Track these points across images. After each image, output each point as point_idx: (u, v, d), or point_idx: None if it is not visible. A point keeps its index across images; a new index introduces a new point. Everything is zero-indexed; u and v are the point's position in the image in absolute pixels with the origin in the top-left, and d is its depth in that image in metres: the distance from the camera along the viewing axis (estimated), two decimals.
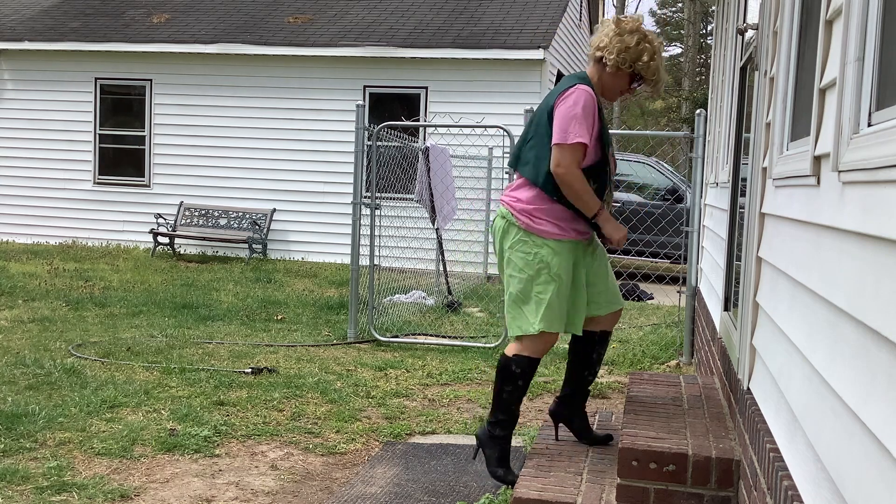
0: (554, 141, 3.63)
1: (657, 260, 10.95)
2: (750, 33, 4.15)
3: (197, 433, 4.69)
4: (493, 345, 7.29)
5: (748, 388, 3.19)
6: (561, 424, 4.01)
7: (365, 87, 13.20)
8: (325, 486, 4.17)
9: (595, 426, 4.19)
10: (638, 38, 3.72)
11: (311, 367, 6.41)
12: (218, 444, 4.62)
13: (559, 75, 13.69)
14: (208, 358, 6.57)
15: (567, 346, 4.17)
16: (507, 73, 12.73)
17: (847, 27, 1.89)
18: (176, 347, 6.89)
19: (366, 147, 7.83)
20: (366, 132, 7.81)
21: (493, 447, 3.85)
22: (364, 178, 7.89)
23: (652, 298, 10.99)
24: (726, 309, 4.71)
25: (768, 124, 3.22)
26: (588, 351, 3.94)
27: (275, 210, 13.52)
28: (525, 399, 5.82)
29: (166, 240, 13.41)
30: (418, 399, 5.79)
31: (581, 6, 16.62)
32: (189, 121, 13.90)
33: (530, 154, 3.74)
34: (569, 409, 3.97)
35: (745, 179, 3.95)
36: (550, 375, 6.41)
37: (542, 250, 3.68)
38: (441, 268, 10.29)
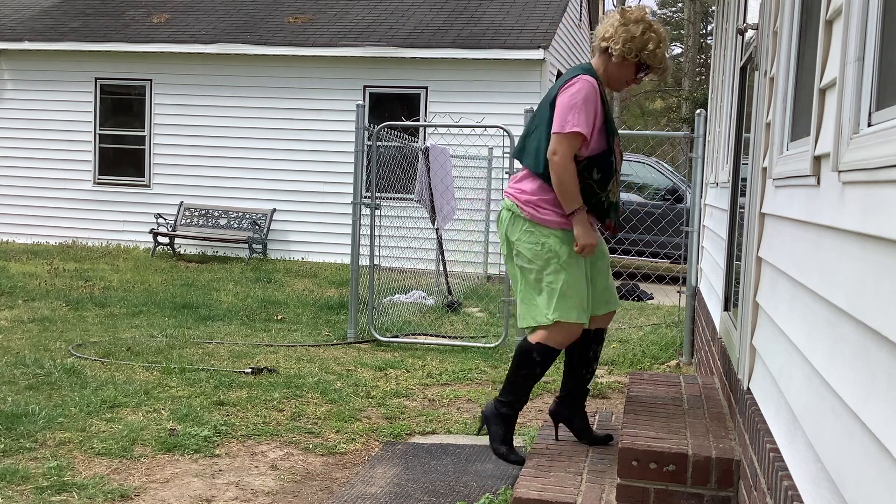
0: (552, 130, 3.67)
1: (657, 260, 10.95)
2: (750, 33, 4.15)
3: (197, 433, 4.69)
4: (493, 345, 7.29)
5: (748, 388, 3.19)
6: (561, 424, 4.01)
7: (365, 87, 13.21)
8: (325, 486, 4.17)
9: (595, 426, 4.19)
10: (643, 28, 3.73)
11: (311, 367, 6.41)
12: (218, 444, 4.62)
13: (559, 75, 13.67)
14: (208, 358, 6.57)
15: None
16: (507, 73, 12.73)
17: (847, 27, 1.89)
18: (176, 347, 6.89)
19: (366, 147, 7.83)
20: (366, 132, 7.81)
21: (499, 424, 3.88)
22: (364, 178, 7.89)
23: (652, 298, 10.99)
24: (726, 309, 4.71)
25: (768, 124, 3.22)
26: (584, 349, 3.94)
27: (275, 210, 13.52)
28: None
29: (166, 240, 13.41)
30: (418, 399, 5.79)
31: (581, 6, 16.63)
32: (189, 121, 13.91)
33: (532, 144, 3.78)
34: (569, 409, 3.97)
35: (745, 179, 3.96)
36: (550, 375, 6.40)
37: (550, 240, 3.70)
38: (441, 268, 10.29)
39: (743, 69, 4.74)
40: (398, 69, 13.15)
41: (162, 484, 4.05)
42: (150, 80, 14.07)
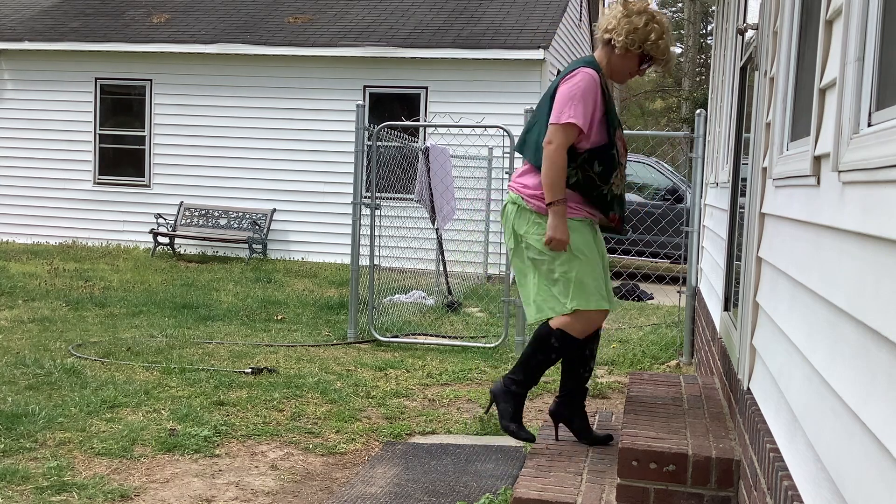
0: (549, 120, 3.70)
1: (657, 260, 10.95)
2: (750, 33, 4.15)
3: (197, 433, 4.69)
4: (493, 345, 7.29)
5: (748, 388, 3.19)
6: (561, 424, 4.01)
7: (365, 87, 13.21)
8: (325, 486, 4.17)
9: (595, 426, 4.19)
10: (646, 19, 3.73)
11: (311, 367, 6.41)
12: (218, 444, 4.62)
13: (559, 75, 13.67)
14: (208, 358, 6.57)
15: None
16: (507, 73, 12.73)
17: (847, 27, 1.89)
18: (176, 347, 6.89)
19: (366, 147, 7.83)
20: (366, 132, 7.81)
21: (508, 401, 3.89)
22: (364, 178, 7.89)
23: (652, 298, 10.99)
24: (726, 309, 4.71)
25: (768, 124, 3.22)
26: (581, 347, 3.94)
27: (275, 210, 13.52)
28: (525, 399, 5.83)
29: (166, 240, 13.41)
30: (418, 399, 5.78)
31: (581, 6, 16.63)
32: (189, 121, 13.91)
33: (532, 138, 3.81)
34: (569, 409, 3.97)
35: (745, 179, 3.96)
36: (550, 375, 6.40)
37: None
38: (441, 268, 10.29)
39: (743, 69, 4.74)
40: (398, 69, 13.15)
41: (162, 484, 4.05)
42: (150, 80, 14.07)
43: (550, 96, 3.76)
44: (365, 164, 7.85)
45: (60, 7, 15.47)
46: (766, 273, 3.07)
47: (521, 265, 3.87)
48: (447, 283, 10.20)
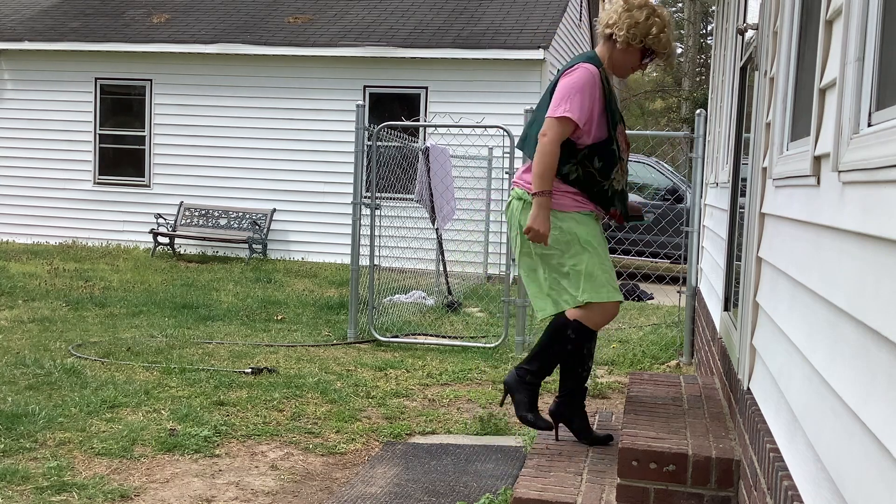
0: (546, 114, 3.70)
1: (657, 260, 10.95)
2: (750, 33, 4.15)
3: (197, 433, 4.69)
4: (493, 345, 7.29)
5: (748, 388, 3.19)
6: (561, 424, 4.01)
7: (365, 87, 13.21)
8: (326, 486, 4.17)
9: (595, 426, 4.19)
10: (647, 13, 3.73)
11: (311, 367, 6.41)
12: (218, 444, 4.62)
13: None
14: (208, 358, 6.57)
15: None
16: (507, 73, 12.73)
17: (847, 27, 1.89)
18: (176, 347, 6.89)
19: (366, 147, 7.83)
20: (366, 132, 7.81)
21: (523, 392, 3.87)
22: (364, 178, 7.89)
23: (652, 298, 10.99)
24: (726, 309, 4.71)
25: (768, 124, 3.22)
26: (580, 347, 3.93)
27: (275, 210, 13.52)
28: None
29: (166, 240, 13.41)
30: (418, 399, 5.78)
31: (581, 6, 16.63)
32: (189, 121, 13.91)
33: (533, 133, 3.80)
34: (569, 409, 3.96)
35: (745, 179, 3.95)
36: (550, 375, 6.40)
37: (566, 223, 3.72)
38: (441, 268, 10.29)
39: (743, 69, 4.74)
40: (398, 69, 13.15)
41: (162, 484, 4.05)
42: (150, 80, 14.07)
43: (550, 92, 3.77)
44: (365, 164, 7.85)
45: (60, 7, 15.47)
46: (766, 273, 3.07)
47: (529, 261, 3.84)
48: (447, 283, 10.20)
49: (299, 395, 5.60)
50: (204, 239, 13.34)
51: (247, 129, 13.66)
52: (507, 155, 7.69)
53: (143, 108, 14.15)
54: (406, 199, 9.80)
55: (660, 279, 10.41)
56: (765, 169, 3.24)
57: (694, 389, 4.33)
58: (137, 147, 14.21)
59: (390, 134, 9.26)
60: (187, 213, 13.71)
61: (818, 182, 2.17)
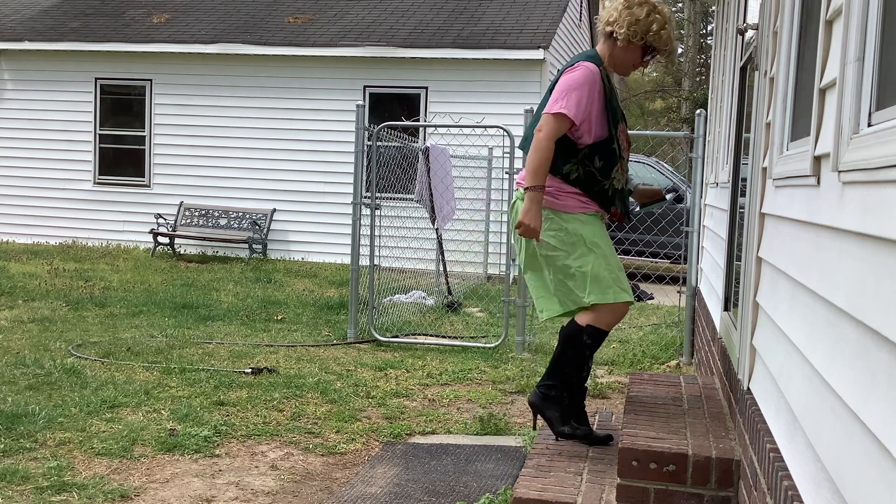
0: (544, 110, 3.70)
1: (657, 260, 10.95)
2: (750, 33, 4.15)
3: (197, 433, 4.69)
4: (493, 345, 7.29)
5: (748, 388, 3.19)
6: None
7: (365, 87, 13.21)
8: (326, 486, 4.17)
9: (595, 426, 4.18)
10: (647, 10, 3.72)
11: (311, 367, 6.41)
12: (218, 444, 4.62)
13: None
14: (208, 358, 6.57)
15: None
16: (507, 73, 12.73)
17: (847, 27, 1.89)
18: (176, 347, 6.89)
19: (366, 147, 7.83)
20: (366, 132, 7.81)
21: (553, 407, 3.84)
22: (364, 178, 7.89)
23: (652, 298, 10.99)
24: (726, 309, 4.71)
25: (768, 124, 3.22)
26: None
27: (275, 210, 13.52)
28: (525, 399, 5.83)
29: (166, 240, 13.41)
30: (418, 399, 5.78)
31: (581, 6, 16.62)
32: (189, 121, 13.91)
33: (533, 133, 3.78)
34: (569, 409, 3.96)
35: (745, 179, 3.95)
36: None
37: (571, 224, 3.71)
38: (441, 268, 10.29)
39: (743, 69, 4.74)
40: (398, 69, 13.15)
41: (162, 484, 4.05)
42: (150, 80, 14.07)
43: (551, 91, 3.77)
44: (365, 164, 7.85)
45: (60, 7, 15.47)
46: (766, 273, 3.07)
47: (534, 263, 3.82)
48: (447, 283, 10.20)
49: (299, 395, 5.60)
50: (204, 239, 13.34)
51: (247, 129, 13.66)
52: (507, 155, 7.69)
53: (143, 108, 14.15)
54: (406, 199, 9.80)
55: (660, 279, 10.42)
56: (765, 169, 3.24)
57: (694, 389, 4.32)
58: (137, 147, 14.21)
59: (390, 134, 9.26)
60: (187, 213, 13.71)
61: (818, 182, 2.17)
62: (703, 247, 7.26)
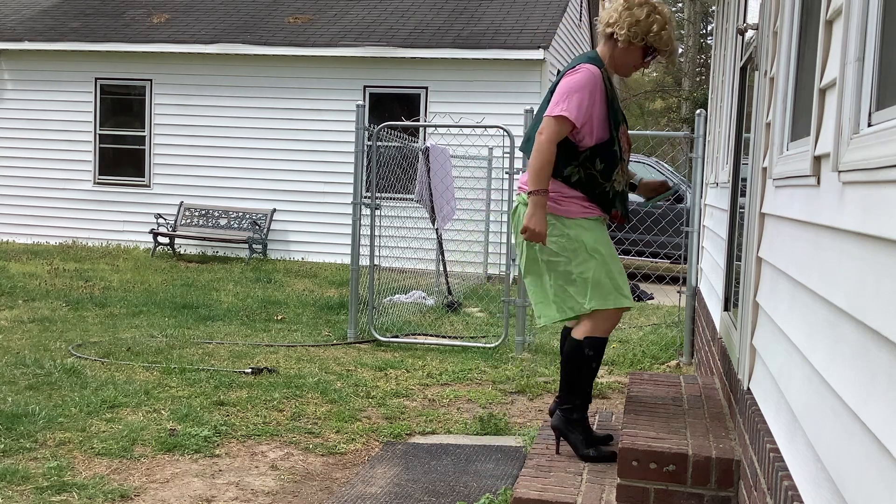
0: (545, 113, 3.70)
1: (657, 260, 10.95)
2: (750, 33, 4.15)
3: (197, 433, 4.69)
4: (493, 345, 7.29)
5: (748, 388, 3.19)
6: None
7: (365, 87, 13.21)
8: (326, 486, 4.17)
9: (595, 426, 4.18)
10: (648, 11, 3.71)
11: (311, 367, 6.41)
12: (218, 444, 4.62)
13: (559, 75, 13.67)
14: (208, 358, 6.57)
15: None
16: (507, 73, 12.73)
17: (847, 27, 1.89)
18: (176, 347, 6.89)
19: (366, 147, 7.83)
20: (366, 132, 7.81)
21: (576, 431, 3.79)
22: (364, 178, 7.89)
23: (652, 298, 10.99)
24: (726, 309, 4.71)
25: (768, 124, 3.22)
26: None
27: (275, 210, 13.52)
28: (525, 399, 5.84)
29: (166, 240, 13.42)
30: (418, 399, 5.78)
31: (581, 6, 16.62)
32: (189, 121, 13.91)
33: (533, 135, 3.78)
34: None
35: (745, 179, 3.95)
36: (551, 375, 6.41)
37: (573, 230, 3.70)
38: (441, 268, 10.29)
39: (743, 69, 4.74)
40: (398, 69, 13.15)
41: (162, 484, 4.05)
42: (150, 80, 14.07)
43: (552, 92, 3.76)
44: (365, 164, 7.85)
45: (60, 7, 15.47)
46: (766, 273, 3.07)
47: (534, 267, 3.81)
48: (447, 283, 10.20)
49: (299, 395, 5.60)
50: (204, 239, 13.34)
51: (247, 129, 13.66)
52: (507, 155, 7.69)
53: (143, 108, 14.15)
54: (406, 199, 9.81)
55: (660, 279, 10.43)
56: (765, 169, 3.24)
57: (694, 389, 4.33)
58: (137, 147, 14.21)
59: (390, 134, 9.26)
60: (187, 213, 13.71)
61: (818, 182, 2.17)
62: (703, 247, 7.26)
